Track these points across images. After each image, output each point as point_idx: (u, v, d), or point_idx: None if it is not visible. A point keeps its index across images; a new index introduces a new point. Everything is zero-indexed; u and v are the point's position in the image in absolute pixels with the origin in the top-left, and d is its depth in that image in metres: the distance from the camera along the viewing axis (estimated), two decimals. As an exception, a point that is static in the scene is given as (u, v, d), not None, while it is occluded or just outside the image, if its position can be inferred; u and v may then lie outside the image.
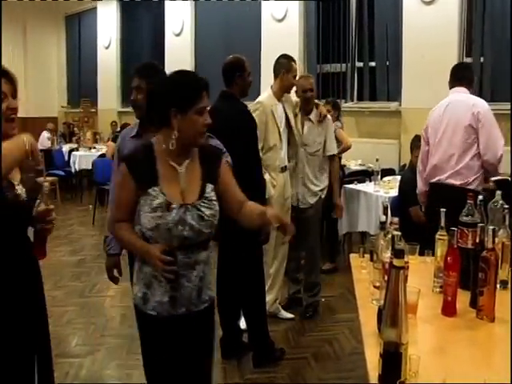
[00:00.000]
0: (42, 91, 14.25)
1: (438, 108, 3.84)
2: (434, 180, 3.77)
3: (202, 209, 2.01)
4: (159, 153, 2.03)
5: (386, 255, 1.93)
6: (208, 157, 2.11)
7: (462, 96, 3.78)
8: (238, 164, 3.29)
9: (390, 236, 2.00)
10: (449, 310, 2.00)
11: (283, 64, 4.10)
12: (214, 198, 2.07)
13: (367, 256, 2.69)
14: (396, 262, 1.44)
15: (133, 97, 2.69)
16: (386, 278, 1.88)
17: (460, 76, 3.87)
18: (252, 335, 3.65)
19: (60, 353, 3.81)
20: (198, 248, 2.04)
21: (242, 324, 3.79)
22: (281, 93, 4.10)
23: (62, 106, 14.52)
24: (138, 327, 2.20)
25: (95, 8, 13.05)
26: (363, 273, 2.52)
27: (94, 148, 10.10)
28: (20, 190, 2.04)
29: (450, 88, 3.87)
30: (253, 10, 8.73)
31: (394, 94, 7.06)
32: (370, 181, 5.46)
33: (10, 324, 2.08)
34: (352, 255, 2.86)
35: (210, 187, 2.06)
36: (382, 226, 2.17)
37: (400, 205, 4.41)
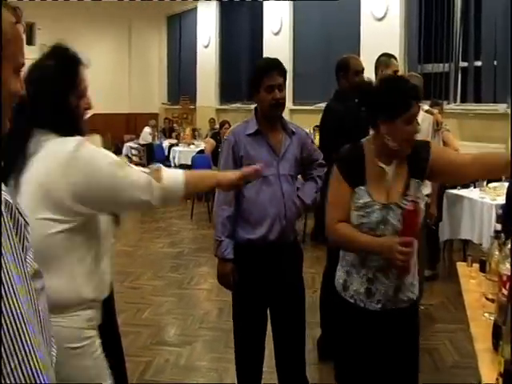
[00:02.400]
0: (144, 88, 14.87)
1: None
2: None
3: (405, 207, 2.03)
4: (368, 153, 2.11)
5: (504, 266, 1.86)
6: (414, 151, 2.09)
7: None
8: None
9: (509, 246, 1.92)
10: None
11: (382, 61, 4.05)
12: (419, 194, 2.11)
13: (476, 265, 2.59)
14: (521, 276, 1.39)
15: (279, 95, 2.64)
16: (503, 290, 1.81)
17: None
18: None
19: (160, 340, 3.99)
20: None
21: None
22: None
23: (163, 103, 15.07)
24: (337, 313, 2.26)
25: (195, 8, 13.42)
26: (472, 283, 2.44)
27: (193, 144, 10.34)
28: None
29: None
30: (352, 9, 8.62)
31: (502, 95, 6.70)
32: (475, 186, 5.23)
33: None
34: (459, 264, 2.77)
35: (414, 183, 2.09)
36: (497, 235, 2.09)
37: (508, 213, 4.19)
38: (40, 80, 1.68)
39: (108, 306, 2.37)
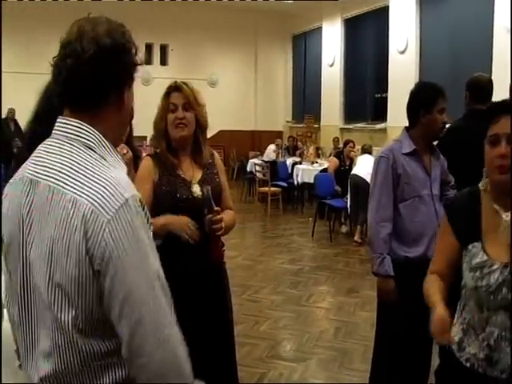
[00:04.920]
0: (269, 106, 15.30)
1: None
2: None
3: None
4: (485, 199, 1.77)
5: None
6: None
7: None
8: None
9: None
10: None
11: None
12: None
13: None
14: None
15: (446, 118, 2.77)
16: None
17: None
18: None
19: (275, 354, 4.07)
20: None
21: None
22: None
23: (287, 121, 15.37)
24: (444, 367, 2.04)
25: (320, 27, 13.61)
26: None
27: (316, 163, 10.38)
28: (195, 188, 2.30)
29: None
30: (484, 23, 8.28)
31: None
32: None
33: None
34: None
35: None
36: None
37: None
38: None
39: (224, 318, 2.52)
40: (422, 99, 2.77)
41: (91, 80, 1.18)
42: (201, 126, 2.40)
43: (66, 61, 1.19)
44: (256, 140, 14.86)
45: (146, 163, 2.41)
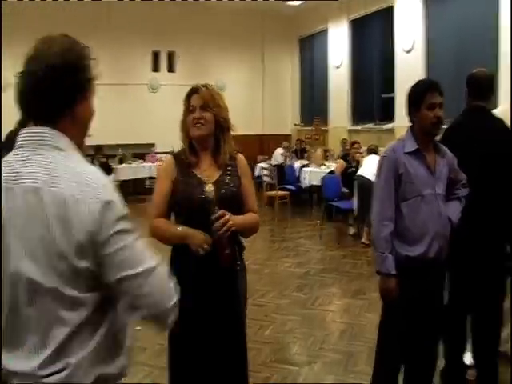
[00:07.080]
0: (277, 110, 15.27)
1: None
2: None
3: None
4: None
5: None
6: None
7: None
8: (488, 194, 3.04)
9: None
10: None
11: None
12: None
13: None
14: None
15: (440, 113, 2.69)
16: None
17: None
18: (481, 375, 3.23)
19: (280, 358, 4.04)
20: None
21: (467, 359, 3.38)
22: None
23: (295, 124, 15.31)
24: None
25: (326, 30, 13.57)
26: None
27: (324, 165, 10.32)
28: (208, 188, 2.34)
29: None
30: (489, 22, 8.21)
31: None
32: None
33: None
34: None
35: None
36: None
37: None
38: None
39: (234, 322, 2.48)
40: (410, 97, 2.76)
41: (45, 96, 1.33)
42: (220, 126, 2.50)
43: (24, 78, 1.35)
44: (264, 144, 14.81)
45: (168, 162, 2.53)
